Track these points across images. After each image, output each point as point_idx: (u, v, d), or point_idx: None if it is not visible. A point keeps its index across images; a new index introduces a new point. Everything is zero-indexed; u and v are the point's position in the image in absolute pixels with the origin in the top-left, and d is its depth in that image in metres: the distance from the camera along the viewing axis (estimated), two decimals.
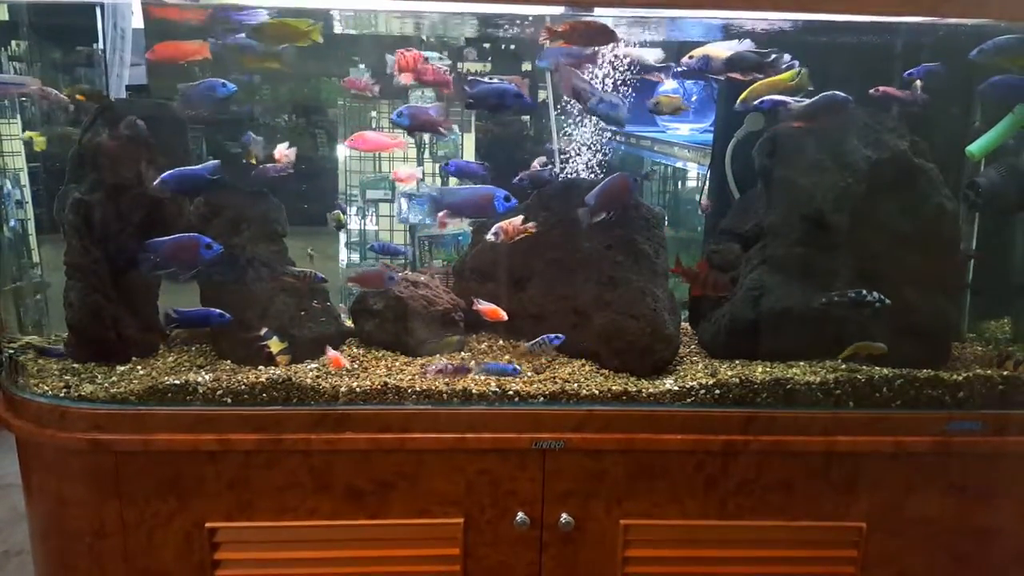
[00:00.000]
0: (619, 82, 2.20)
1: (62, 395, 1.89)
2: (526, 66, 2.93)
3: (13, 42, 3.43)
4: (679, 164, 3.32)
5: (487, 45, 3.06)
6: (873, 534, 2.00)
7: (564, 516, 1.94)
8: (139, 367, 2.02)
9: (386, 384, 1.94)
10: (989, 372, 2.05)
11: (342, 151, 3.32)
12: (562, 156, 2.46)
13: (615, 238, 2.12)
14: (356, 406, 1.91)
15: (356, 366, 2.05)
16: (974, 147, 2.10)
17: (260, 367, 2.00)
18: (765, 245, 2.20)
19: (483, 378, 1.98)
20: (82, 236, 1.97)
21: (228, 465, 1.88)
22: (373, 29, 2.35)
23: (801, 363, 2.09)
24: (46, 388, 1.91)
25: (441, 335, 2.18)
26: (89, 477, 1.88)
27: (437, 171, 3.11)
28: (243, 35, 1.96)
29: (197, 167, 1.95)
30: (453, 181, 2.55)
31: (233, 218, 2.10)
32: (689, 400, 1.96)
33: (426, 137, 3.03)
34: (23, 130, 2.98)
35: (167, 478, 1.88)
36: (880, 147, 2.09)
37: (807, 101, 1.93)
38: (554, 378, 2.01)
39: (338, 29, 2.25)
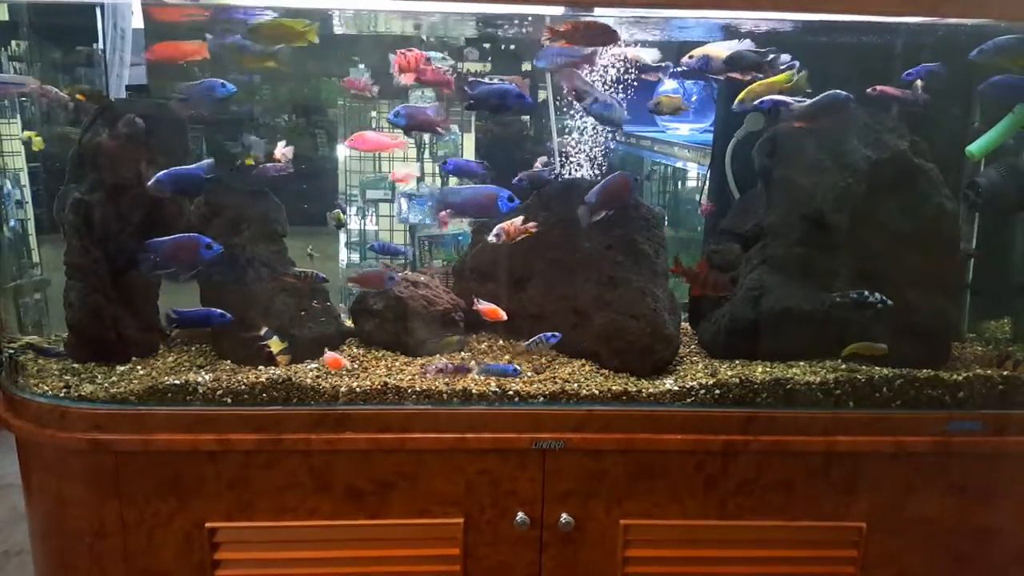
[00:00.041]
0: (613, 80, 2.20)
1: (62, 395, 1.89)
2: (526, 66, 2.92)
3: (13, 42, 3.44)
4: (679, 164, 3.33)
5: (487, 45, 3.06)
6: (873, 534, 2.00)
7: (564, 516, 1.94)
8: (139, 367, 2.02)
9: (386, 384, 1.94)
10: (989, 372, 2.05)
11: (342, 151, 3.32)
12: (562, 156, 2.46)
13: (615, 238, 2.12)
14: (356, 406, 1.91)
15: (356, 366, 2.05)
16: (974, 147, 2.10)
17: (260, 367, 2.00)
18: (765, 245, 2.20)
19: (483, 378, 1.98)
20: (82, 236, 1.97)
21: (228, 465, 1.88)
22: (373, 29, 2.35)
23: (801, 363, 2.09)
24: (46, 388, 1.91)
25: (441, 335, 2.18)
26: (89, 477, 1.88)
27: (437, 171, 3.11)
28: (239, 36, 1.96)
29: (192, 166, 1.95)
30: (453, 180, 2.54)
31: (233, 218, 2.10)
32: (689, 400, 1.96)
33: (426, 137, 3.03)
34: (23, 130, 2.99)
35: (167, 478, 1.88)
36: (880, 147, 2.09)
37: (808, 101, 1.93)
38: (554, 378, 2.01)
39: (338, 29, 2.25)
